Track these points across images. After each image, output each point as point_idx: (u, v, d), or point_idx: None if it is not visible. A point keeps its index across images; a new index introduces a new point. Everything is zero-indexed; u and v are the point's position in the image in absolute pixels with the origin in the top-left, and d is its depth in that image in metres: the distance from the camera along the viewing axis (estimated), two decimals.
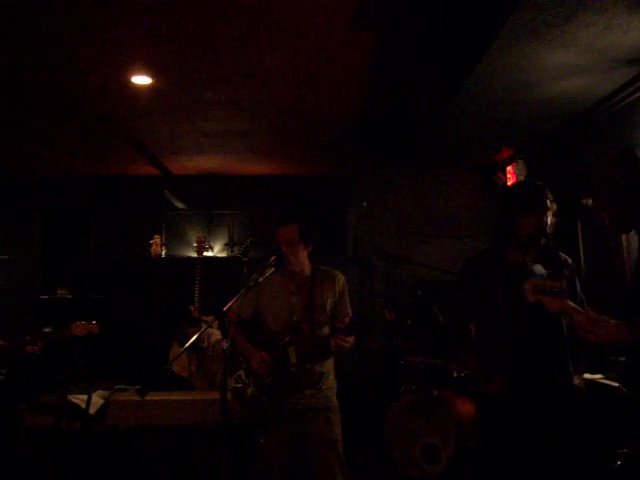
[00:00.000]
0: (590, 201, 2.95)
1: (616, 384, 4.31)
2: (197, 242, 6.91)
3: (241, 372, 3.96)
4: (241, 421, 3.98)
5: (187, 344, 3.52)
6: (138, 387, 3.55)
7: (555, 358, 3.30)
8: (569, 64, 4.73)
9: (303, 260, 3.95)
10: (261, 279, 3.57)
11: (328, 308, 3.95)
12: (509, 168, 7.83)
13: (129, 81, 5.72)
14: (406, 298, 7.77)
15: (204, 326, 4.78)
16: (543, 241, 3.37)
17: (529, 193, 3.43)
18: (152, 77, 5.67)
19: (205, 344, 5.41)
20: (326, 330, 3.87)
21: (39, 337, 4.87)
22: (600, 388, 4.41)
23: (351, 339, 3.77)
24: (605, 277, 5.60)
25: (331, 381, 3.98)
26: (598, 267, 5.80)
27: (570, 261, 3.51)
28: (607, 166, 2.77)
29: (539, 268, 2.99)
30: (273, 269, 3.66)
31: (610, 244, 5.47)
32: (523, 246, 3.38)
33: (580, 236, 6.12)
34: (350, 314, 4.01)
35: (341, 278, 4.07)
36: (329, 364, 3.96)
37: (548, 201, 3.37)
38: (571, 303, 2.74)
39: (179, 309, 5.73)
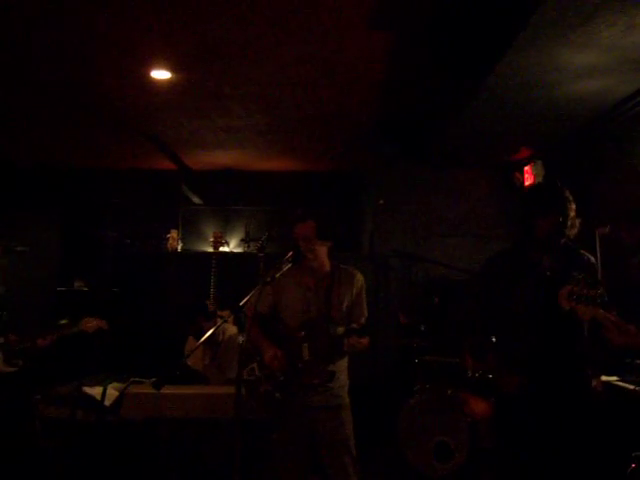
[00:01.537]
0: (607, 229, 2.94)
1: (631, 387, 4.29)
2: (214, 237, 6.92)
3: (254, 365, 3.95)
4: (254, 416, 3.99)
5: (202, 338, 3.54)
6: (153, 380, 3.57)
7: (573, 360, 3.28)
8: (590, 64, 4.70)
9: (322, 257, 3.94)
10: (278, 274, 3.58)
11: (344, 307, 3.94)
12: (527, 168, 7.78)
13: (148, 75, 5.75)
14: (421, 301, 7.72)
15: (219, 321, 4.80)
16: (563, 241, 3.35)
17: (546, 194, 3.42)
18: (171, 72, 5.70)
19: (220, 338, 5.45)
20: (341, 330, 3.85)
21: (50, 331, 4.93)
22: (616, 390, 4.39)
23: (365, 340, 3.78)
24: (622, 283, 5.55)
25: (343, 379, 3.97)
26: (615, 273, 5.75)
27: (593, 260, 3.47)
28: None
29: (576, 275, 2.97)
30: (290, 265, 3.66)
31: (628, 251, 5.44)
32: (542, 247, 3.36)
33: (597, 239, 6.07)
34: (366, 315, 4.01)
35: (360, 278, 4.05)
36: (342, 363, 3.96)
37: (567, 202, 3.36)
38: (602, 311, 2.76)
39: (196, 303, 5.77)
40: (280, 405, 3.85)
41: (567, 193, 3.38)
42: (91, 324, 4.92)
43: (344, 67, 5.64)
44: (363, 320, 3.93)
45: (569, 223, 3.34)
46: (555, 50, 4.43)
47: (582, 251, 3.47)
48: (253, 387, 3.91)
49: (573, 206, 3.38)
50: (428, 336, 6.21)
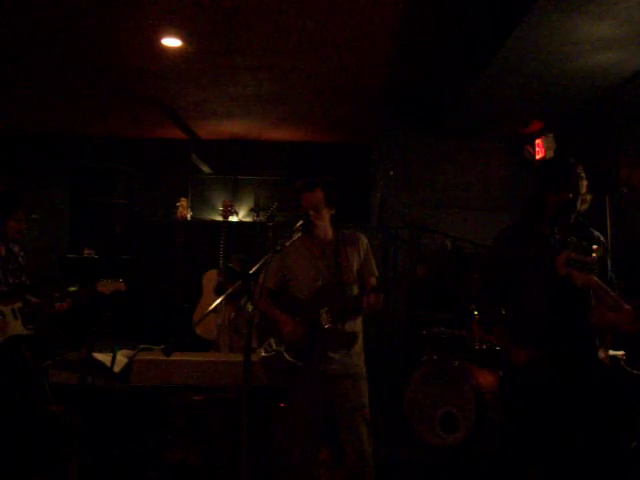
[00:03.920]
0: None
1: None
2: (224, 206, 6.92)
3: (271, 340, 3.95)
4: (263, 384, 4.02)
5: (211, 307, 3.52)
6: (163, 347, 3.58)
7: (581, 331, 3.30)
8: (604, 37, 4.65)
9: (327, 224, 3.96)
10: (288, 243, 3.58)
11: (355, 269, 3.96)
12: (538, 141, 7.72)
13: (159, 43, 5.72)
14: (434, 255, 7.69)
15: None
16: (573, 217, 3.36)
17: (558, 171, 3.41)
18: (182, 40, 5.67)
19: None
20: (355, 290, 3.89)
21: (67, 294, 4.95)
22: (621, 367, 4.38)
23: (381, 298, 3.82)
24: (633, 252, 5.54)
25: (360, 347, 3.99)
26: (626, 242, 5.74)
27: (602, 238, 3.48)
28: None
29: (573, 240, 2.97)
30: (300, 234, 3.67)
31: (638, 219, 5.42)
32: (553, 222, 3.37)
33: (608, 211, 6.05)
34: (376, 273, 4.03)
35: (364, 240, 4.08)
36: (359, 325, 3.98)
37: (578, 179, 3.35)
38: (596, 279, 2.76)
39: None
40: (300, 375, 3.88)
41: (579, 169, 3.38)
42: (108, 286, 4.93)
43: (355, 37, 5.59)
44: (374, 280, 3.96)
45: (580, 200, 3.35)
46: (570, 21, 4.38)
47: (591, 229, 3.47)
48: (273, 362, 3.92)
49: (585, 182, 3.38)
50: (441, 293, 6.23)
